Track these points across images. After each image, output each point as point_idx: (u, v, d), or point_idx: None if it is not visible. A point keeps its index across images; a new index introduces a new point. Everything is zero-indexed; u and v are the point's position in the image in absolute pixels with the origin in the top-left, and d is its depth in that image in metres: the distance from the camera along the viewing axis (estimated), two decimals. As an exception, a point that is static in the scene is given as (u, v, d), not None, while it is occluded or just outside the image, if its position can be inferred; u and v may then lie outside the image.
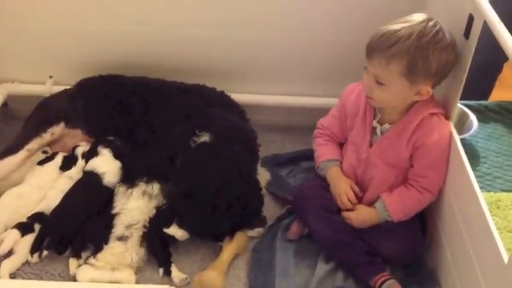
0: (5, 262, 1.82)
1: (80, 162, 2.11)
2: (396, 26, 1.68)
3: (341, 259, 1.89)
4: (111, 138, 2.18)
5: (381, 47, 1.67)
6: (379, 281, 1.81)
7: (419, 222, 1.92)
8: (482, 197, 1.61)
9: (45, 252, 1.86)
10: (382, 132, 1.86)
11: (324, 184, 1.97)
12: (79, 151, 2.14)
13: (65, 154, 2.16)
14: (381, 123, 1.86)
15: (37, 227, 1.91)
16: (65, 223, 1.92)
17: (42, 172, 2.09)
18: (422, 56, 1.64)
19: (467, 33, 1.76)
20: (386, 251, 1.87)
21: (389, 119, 1.84)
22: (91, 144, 2.17)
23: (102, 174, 2.04)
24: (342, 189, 1.92)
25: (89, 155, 2.12)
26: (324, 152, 2.00)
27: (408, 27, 1.66)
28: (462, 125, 2.42)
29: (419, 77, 1.68)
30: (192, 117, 2.09)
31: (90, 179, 2.04)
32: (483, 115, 2.61)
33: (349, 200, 1.90)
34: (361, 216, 1.88)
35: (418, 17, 1.70)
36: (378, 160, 1.87)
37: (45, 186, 2.05)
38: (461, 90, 1.83)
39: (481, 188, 1.66)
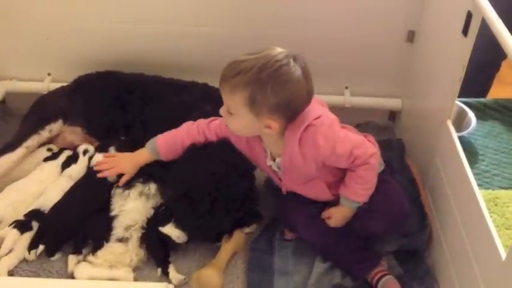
0: (3, 260, 1.82)
1: (81, 160, 2.10)
2: (244, 57, 1.65)
3: (335, 260, 1.89)
4: (122, 138, 2.18)
5: (226, 76, 1.65)
6: (376, 277, 1.81)
7: (392, 181, 1.91)
8: (480, 194, 1.62)
9: (40, 247, 1.86)
10: (278, 167, 1.85)
11: (298, 197, 1.94)
12: (81, 149, 2.14)
13: (70, 153, 2.15)
14: (273, 158, 1.85)
15: (35, 224, 1.91)
16: (64, 220, 1.92)
17: (43, 167, 2.10)
18: (261, 89, 1.60)
19: (465, 31, 1.76)
20: (378, 227, 1.86)
21: (276, 153, 1.83)
22: (100, 142, 2.17)
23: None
24: (122, 165, 2.00)
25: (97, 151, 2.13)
26: (169, 139, 1.98)
27: (253, 59, 1.62)
28: (460, 122, 2.43)
29: (262, 110, 1.64)
30: (187, 114, 2.07)
31: (94, 173, 2.04)
32: (481, 113, 2.61)
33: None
34: (339, 218, 1.86)
35: (270, 50, 1.65)
36: (295, 186, 1.89)
37: (45, 181, 2.05)
38: (459, 88, 1.83)
39: (479, 185, 1.67)
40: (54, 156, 2.13)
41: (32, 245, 1.87)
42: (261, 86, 1.60)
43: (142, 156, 2.00)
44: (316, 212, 1.90)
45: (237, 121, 1.70)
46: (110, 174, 2.00)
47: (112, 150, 2.11)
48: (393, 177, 1.95)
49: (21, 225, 1.89)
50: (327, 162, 1.77)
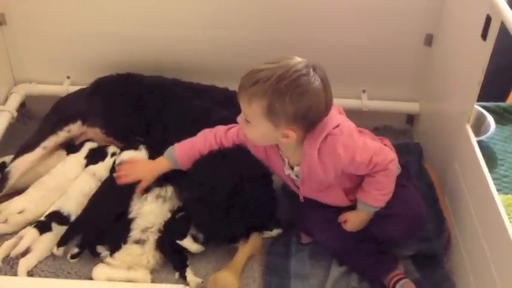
0: (22, 260, 1.83)
1: (108, 160, 2.12)
2: (262, 66, 1.64)
3: (350, 263, 1.89)
4: (141, 139, 2.19)
5: (244, 85, 1.64)
6: (393, 281, 1.81)
7: (410, 187, 1.90)
8: (499, 199, 1.60)
9: (75, 250, 1.88)
10: (297, 175, 1.84)
11: (314, 202, 1.93)
12: (110, 150, 2.15)
13: (93, 146, 2.17)
14: (291, 166, 1.84)
15: (54, 226, 1.92)
16: (97, 221, 1.94)
17: (66, 161, 2.12)
18: (279, 99, 1.59)
19: (484, 34, 1.74)
20: (395, 232, 1.85)
21: (295, 161, 1.81)
22: (129, 138, 2.19)
23: None
24: (141, 173, 1.99)
25: (124, 148, 2.14)
26: (187, 146, 1.97)
27: (271, 69, 1.61)
28: (479, 126, 2.41)
29: (280, 120, 1.63)
30: (207, 118, 2.08)
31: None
32: (500, 117, 2.59)
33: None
34: (355, 222, 1.86)
35: (289, 60, 1.64)
36: (313, 193, 1.88)
37: (68, 173, 2.08)
38: (478, 92, 1.82)
39: (498, 190, 1.65)
40: (76, 149, 2.15)
41: (62, 242, 1.89)
42: (280, 95, 1.59)
43: (161, 165, 1.99)
44: (332, 217, 1.90)
45: (255, 130, 1.70)
46: (126, 181, 2.00)
47: (141, 146, 2.12)
48: (410, 182, 1.94)
49: (41, 226, 1.90)
50: (346, 171, 1.76)
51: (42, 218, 1.93)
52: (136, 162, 2.05)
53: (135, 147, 2.12)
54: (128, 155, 2.09)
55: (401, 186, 1.84)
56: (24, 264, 1.83)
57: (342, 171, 1.77)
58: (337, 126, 1.70)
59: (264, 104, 1.61)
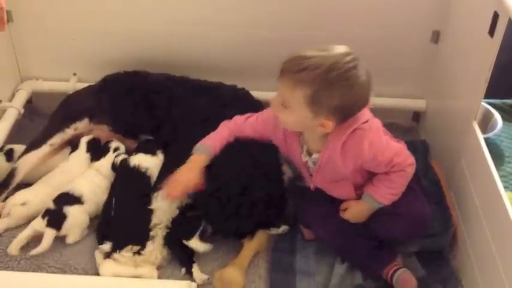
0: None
1: (110, 156, 2.12)
2: (311, 53, 1.60)
3: (349, 259, 1.89)
4: (149, 137, 2.20)
5: (290, 70, 1.61)
6: (390, 272, 1.80)
7: (418, 191, 1.89)
8: (506, 196, 1.60)
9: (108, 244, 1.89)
10: (314, 163, 1.82)
11: (318, 195, 1.93)
12: (113, 145, 2.16)
13: (89, 138, 2.17)
14: (309, 153, 1.83)
15: (66, 209, 1.92)
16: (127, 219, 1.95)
17: (69, 159, 2.13)
18: (327, 90, 1.57)
19: (492, 31, 1.74)
20: (396, 232, 1.85)
21: (315, 148, 1.80)
22: (146, 141, 2.19)
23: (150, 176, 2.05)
24: (185, 177, 1.89)
25: (140, 149, 2.12)
26: (213, 137, 1.94)
27: (321, 57, 1.58)
28: (486, 123, 2.41)
29: (322, 110, 1.61)
30: (215, 115, 2.06)
31: (142, 177, 2.04)
32: (508, 114, 2.58)
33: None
34: (355, 213, 1.85)
35: (338, 49, 1.62)
36: (324, 183, 1.87)
37: (72, 170, 2.08)
38: (485, 89, 1.81)
39: (505, 187, 1.65)
40: (75, 147, 2.15)
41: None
42: (328, 86, 1.57)
43: (199, 161, 1.91)
44: (332, 212, 1.89)
45: (292, 116, 1.67)
46: (177, 194, 1.91)
47: (158, 152, 2.11)
48: (418, 185, 1.93)
49: (54, 219, 1.90)
50: (365, 166, 1.76)
51: (50, 205, 1.93)
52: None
53: (153, 153, 2.10)
54: (145, 160, 2.07)
55: (409, 189, 1.83)
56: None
57: (360, 166, 1.76)
58: (366, 121, 1.70)
59: (309, 93, 1.58)
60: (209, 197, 1.89)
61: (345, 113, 1.64)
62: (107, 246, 1.87)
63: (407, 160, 1.77)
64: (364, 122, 1.69)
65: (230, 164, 1.91)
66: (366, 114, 1.72)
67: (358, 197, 1.86)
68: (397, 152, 1.74)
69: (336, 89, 1.57)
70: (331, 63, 1.57)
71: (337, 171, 1.78)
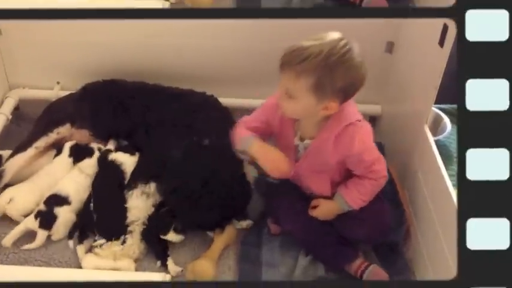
0: None
1: (96, 155, 2.10)
2: (308, 43, 1.58)
3: (313, 252, 1.86)
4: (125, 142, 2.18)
5: (291, 62, 1.57)
6: (360, 269, 1.79)
7: (385, 201, 1.86)
8: (454, 193, 1.59)
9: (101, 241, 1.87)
10: (305, 148, 1.79)
11: (289, 191, 1.90)
12: (95, 146, 2.13)
13: (72, 143, 2.13)
14: (302, 139, 1.79)
15: (57, 210, 1.90)
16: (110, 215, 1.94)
17: (52, 163, 2.10)
18: (330, 74, 1.55)
19: (441, 42, 1.73)
20: (359, 235, 1.83)
21: (308, 134, 1.76)
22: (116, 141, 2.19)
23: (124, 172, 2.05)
24: (278, 153, 1.73)
25: (120, 149, 2.12)
26: (245, 132, 1.80)
27: (318, 45, 1.56)
28: (437, 127, 2.41)
29: (326, 94, 1.59)
30: (183, 120, 2.08)
31: (117, 170, 2.04)
32: (456, 118, 2.57)
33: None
34: (324, 211, 1.82)
35: (330, 36, 1.60)
36: (306, 172, 1.82)
37: (55, 174, 2.05)
38: (435, 95, 1.81)
39: (453, 185, 1.64)
40: (59, 152, 2.12)
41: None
42: (329, 71, 1.54)
43: (262, 143, 1.75)
44: (302, 209, 1.86)
45: (298, 105, 1.62)
46: (287, 167, 1.73)
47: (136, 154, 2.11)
48: (383, 194, 1.87)
49: (46, 220, 1.88)
50: (348, 161, 1.73)
51: (41, 207, 1.91)
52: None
53: (131, 153, 2.10)
54: (122, 157, 2.07)
55: (376, 197, 1.81)
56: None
57: (344, 160, 1.73)
58: (360, 120, 1.69)
59: (312, 81, 1.55)
60: (173, 192, 1.90)
61: (348, 92, 1.62)
62: (88, 242, 1.88)
63: (383, 172, 1.75)
64: (358, 120, 1.69)
65: (191, 161, 1.92)
66: (359, 114, 1.71)
67: (331, 195, 1.83)
68: (379, 159, 1.73)
69: (336, 73, 1.55)
70: (329, 49, 1.54)
71: (323, 161, 1.74)
